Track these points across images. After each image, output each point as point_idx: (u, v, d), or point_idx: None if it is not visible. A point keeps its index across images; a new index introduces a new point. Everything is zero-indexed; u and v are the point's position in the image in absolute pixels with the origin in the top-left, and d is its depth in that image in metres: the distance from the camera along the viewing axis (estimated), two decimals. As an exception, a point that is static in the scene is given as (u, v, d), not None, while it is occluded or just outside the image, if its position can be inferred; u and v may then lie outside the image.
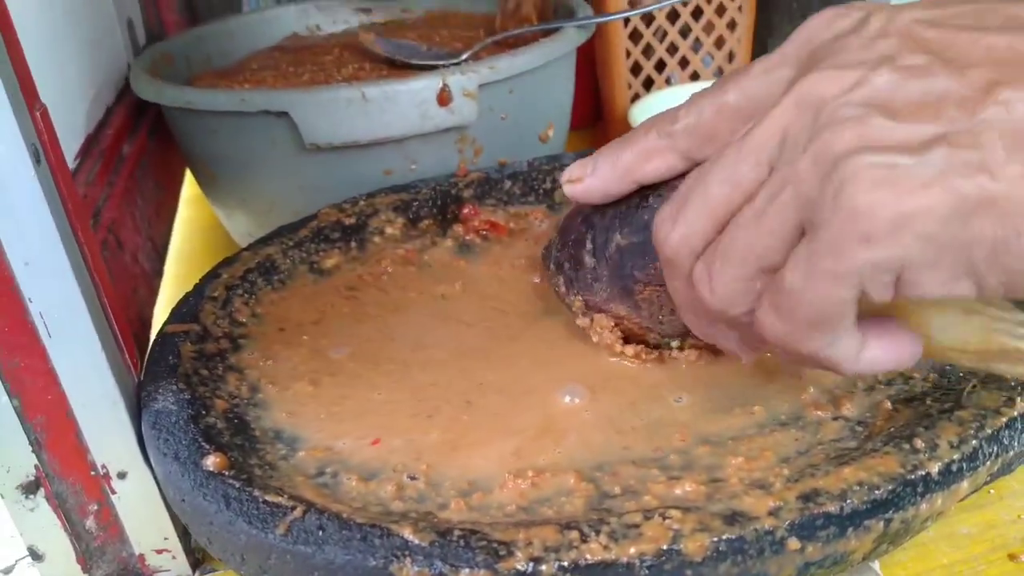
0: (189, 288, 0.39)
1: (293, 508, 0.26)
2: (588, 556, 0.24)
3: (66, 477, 0.31)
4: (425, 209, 0.46)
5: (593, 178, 0.31)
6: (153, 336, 0.46)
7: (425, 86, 0.44)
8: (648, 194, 0.31)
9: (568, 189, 0.31)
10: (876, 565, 0.31)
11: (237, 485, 0.27)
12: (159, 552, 0.34)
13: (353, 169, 0.47)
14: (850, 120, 0.21)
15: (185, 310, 0.37)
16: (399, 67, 0.54)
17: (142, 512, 0.33)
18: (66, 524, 0.32)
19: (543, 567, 0.23)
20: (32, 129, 0.27)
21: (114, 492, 0.32)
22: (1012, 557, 0.32)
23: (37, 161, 0.27)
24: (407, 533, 0.25)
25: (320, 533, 0.25)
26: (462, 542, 0.24)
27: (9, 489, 0.31)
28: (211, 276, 0.39)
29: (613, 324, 0.34)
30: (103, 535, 0.33)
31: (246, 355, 0.36)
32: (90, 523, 0.33)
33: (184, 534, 0.34)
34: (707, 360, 0.34)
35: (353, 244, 0.43)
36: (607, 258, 0.32)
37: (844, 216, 0.21)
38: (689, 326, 0.28)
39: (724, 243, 0.24)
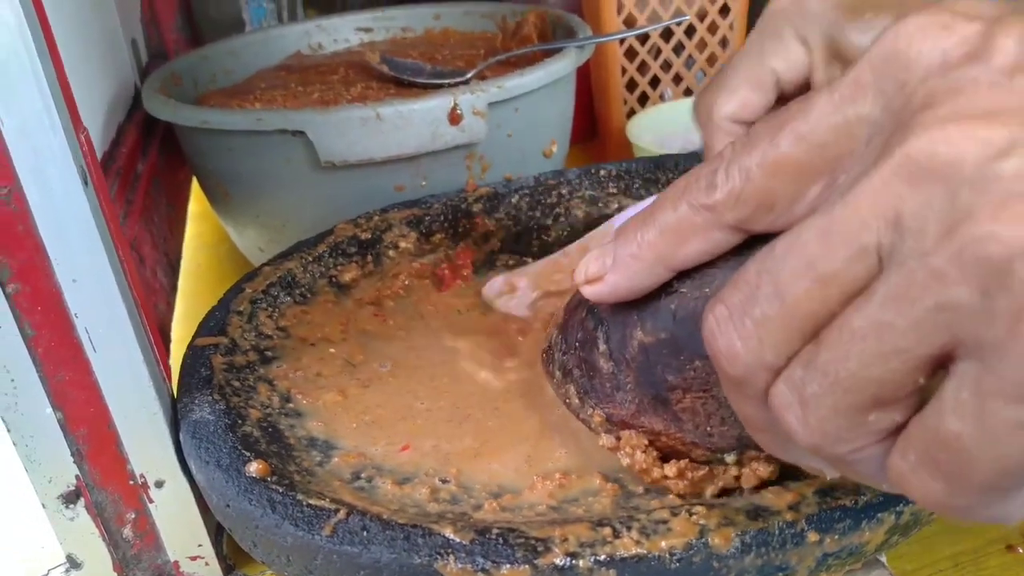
0: (202, 303, 0.40)
1: (336, 510, 0.27)
2: (621, 551, 0.25)
3: (105, 487, 0.33)
4: (437, 224, 0.47)
5: (616, 274, 0.24)
6: (173, 349, 0.47)
7: (437, 105, 0.46)
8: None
9: (589, 292, 0.25)
10: (883, 557, 0.33)
11: (281, 490, 0.28)
12: (193, 559, 0.35)
13: (366, 185, 0.48)
14: (1011, 199, 0.15)
15: (213, 324, 0.38)
16: (405, 86, 0.56)
17: (177, 520, 0.34)
18: (104, 532, 0.33)
19: (579, 562, 0.25)
20: (80, 152, 0.29)
21: (151, 501, 0.33)
22: (1010, 548, 0.34)
23: (85, 183, 0.28)
24: (448, 532, 0.26)
25: (364, 534, 0.26)
26: (501, 540, 0.26)
27: (50, 499, 0.32)
28: (235, 290, 0.40)
29: (647, 442, 0.28)
30: (139, 543, 0.34)
31: (275, 367, 0.37)
32: (127, 531, 0.34)
33: (216, 540, 0.35)
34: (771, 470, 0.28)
35: (369, 258, 0.45)
36: (627, 361, 0.26)
37: None
38: (766, 449, 0.22)
39: (823, 362, 0.18)
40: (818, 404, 0.18)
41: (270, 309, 0.40)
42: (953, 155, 0.16)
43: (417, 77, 0.56)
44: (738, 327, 0.19)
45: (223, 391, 0.34)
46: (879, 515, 0.27)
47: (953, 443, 0.16)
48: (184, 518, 0.34)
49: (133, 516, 0.33)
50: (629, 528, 0.26)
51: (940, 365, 0.17)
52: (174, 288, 0.51)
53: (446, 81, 0.55)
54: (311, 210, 0.49)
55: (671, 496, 0.29)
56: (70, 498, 0.32)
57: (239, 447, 0.30)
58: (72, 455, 0.31)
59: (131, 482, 0.33)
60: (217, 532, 0.35)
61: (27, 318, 0.29)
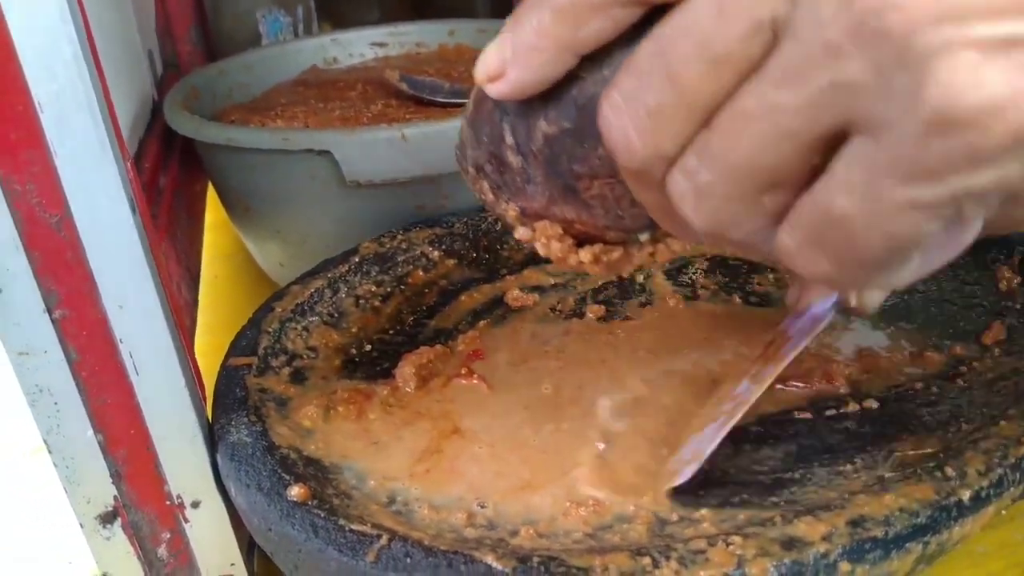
0: (221, 316, 0.41)
1: (379, 536, 0.28)
2: (661, 580, 0.26)
3: (142, 507, 0.33)
4: (459, 243, 0.48)
5: (518, 68, 0.22)
6: (200, 365, 0.47)
7: (461, 127, 0.46)
8: None
9: (493, 91, 0.23)
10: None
11: (323, 514, 0.29)
12: (225, 577, 0.35)
13: (388, 204, 0.49)
14: None
15: (244, 343, 0.38)
16: (424, 104, 0.57)
17: (212, 539, 0.34)
18: (139, 552, 0.34)
19: (621, 591, 0.26)
20: (127, 180, 0.29)
21: (187, 521, 0.34)
22: (1026, 574, 0.35)
23: (133, 211, 0.29)
24: (490, 559, 0.27)
25: (408, 560, 0.27)
26: (543, 568, 0.26)
27: (88, 519, 0.33)
28: (265, 309, 0.40)
29: (561, 231, 0.27)
30: (174, 562, 0.34)
31: (307, 387, 0.37)
32: (162, 551, 0.34)
33: (248, 559, 0.36)
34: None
35: (394, 278, 0.45)
36: (534, 153, 0.25)
37: (932, 119, 0.14)
38: (673, 233, 0.23)
39: (715, 148, 0.17)
40: (711, 192, 0.18)
41: (300, 329, 0.40)
42: None
43: (436, 96, 0.56)
44: (632, 117, 0.18)
45: (259, 412, 0.34)
46: (907, 545, 0.27)
47: (841, 221, 0.16)
48: (218, 538, 0.34)
49: (168, 536, 0.34)
50: (668, 558, 0.26)
51: (833, 146, 0.16)
52: (196, 302, 0.52)
53: (464, 100, 0.56)
54: (333, 227, 0.50)
55: (704, 525, 0.29)
56: (107, 518, 0.33)
57: (279, 470, 0.31)
58: (111, 476, 0.32)
59: (168, 502, 0.33)
60: (249, 550, 0.36)
61: (72, 343, 0.29)
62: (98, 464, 0.32)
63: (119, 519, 0.33)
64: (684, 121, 0.18)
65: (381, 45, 0.70)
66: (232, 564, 0.35)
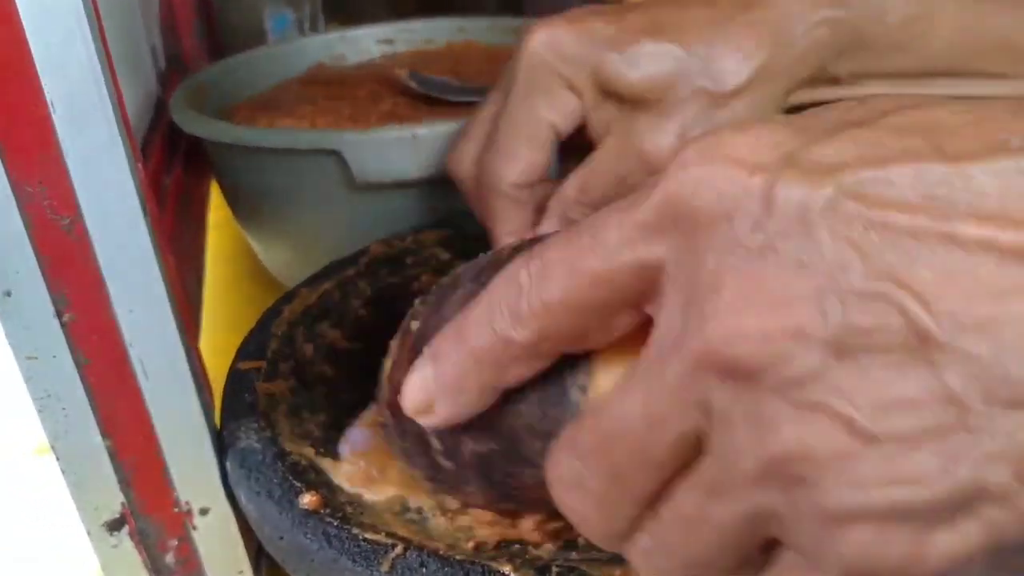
0: (224, 318, 0.40)
1: (393, 546, 0.27)
2: (683, 594, 0.25)
3: (150, 514, 0.32)
4: (470, 245, 0.47)
5: (445, 407, 0.23)
6: (206, 368, 0.47)
7: (472, 127, 0.46)
8: None
9: (424, 423, 0.24)
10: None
11: (336, 523, 0.28)
12: (233, 584, 0.35)
13: (398, 204, 0.48)
14: (806, 410, 0.15)
15: (252, 347, 0.38)
16: (433, 102, 0.56)
17: (220, 546, 0.34)
18: (147, 559, 0.33)
19: (641, 604, 0.25)
20: (139, 183, 0.28)
21: (195, 527, 0.33)
22: None
23: (145, 215, 0.28)
24: (507, 570, 0.26)
25: (423, 570, 0.26)
26: (561, 580, 0.26)
27: (95, 526, 0.32)
28: (273, 312, 0.40)
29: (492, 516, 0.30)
30: (181, 569, 0.34)
31: (315, 392, 0.37)
32: (169, 558, 0.34)
33: (256, 565, 0.35)
34: None
35: (403, 279, 0.45)
36: (465, 463, 0.26)
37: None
38: None
39: (662, 537, 0.19)
40: (669, 568, 0.19)
41: (308, 332, 0.40)
42: (748, 357, 0.16)
43: (446, 94, 0.56)
44: (581, 499, 0.20)
45: (268, 417, 0.34)
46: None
47: None
48: (226, 544, 0.34)
49: (176, 543, 0.33)
50: (689, 571, 0.26)
51: (772, 545, 0.18)
52: (200, 305, 0.51)
53: (474, 99, 0.55)
54: (341, 228, 0.49)
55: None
56: (115, 525, 0.32)
57: (290, 477, 0.30)
58: (119, 482, 0.31)
59: (176, 509, 0.33)
60: (257, 557, 0.35)
61: (81, 347, 0.29)
62: (106, 470, 0.31)
63: (127, 526, 0.32)
64: (631, 507, 0.19)
65: (388, 42, 0.70)
66: (240, 572, 0.35)
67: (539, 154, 0.35)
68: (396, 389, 0.26)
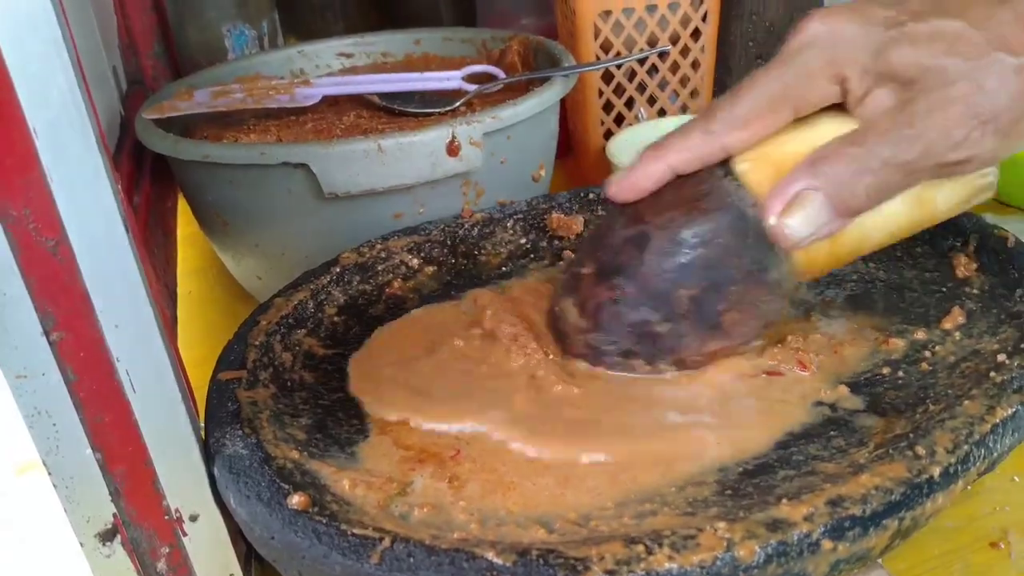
0: (198, 331, 0.41)
1: (381, 538, 0.29)
2: (656, 567, 0.27)
3: (141, 523, 0.33)
4: (437, 249, 0.49)
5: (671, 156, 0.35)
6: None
7: (436, 137, 0.47)
8: (650, 230, 0.34)
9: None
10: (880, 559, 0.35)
11: (324, 520, 0.29)
12: (224, 588, 0.36)
13: (365, 214, 0.49)
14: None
15: (232, 357, 0.39)
16: (395, 114, 0.57)
17: (210, 551, 0.35)
18: (139, 568, 0.34)
19: (618, 578, 0.27)
20: (120, 201, 0.30)
21: (185, 534, 0.34)
22: (993, 545, 0.37)
23: (127, 233, 0.29)
24: (490, 555, 0.28)
25: (411, 560, 0.28)
26: (542, 560, 0.27)
27: (88, 538, 0.33)
28: (250, 323, 0.41)
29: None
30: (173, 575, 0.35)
31: (295, 398, 0.38)
32: (161, 565, 0.35)
33: (246, 568, 0.36)
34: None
35: (375, 286, 0.46)
36: (681, 315, 0.34)
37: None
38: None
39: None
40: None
41: (285, 341, 0.41)
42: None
43: (407, 106, 0.57)
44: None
45: (252, 424, 0.35)
46: (884, 521, 0.29)
47: None
48: (216, 550, 0.35)
49: (167, 550, 0.34)
50: (660, 545, 0.28)
51: None
52: (175, 319, 0.52)
53: (436, 110, 0.57)
54: (311, 239, 0.51)
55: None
56: (107, 536, 0.33)
57: (277, 480, 0.32)
58: (110, 494, 0.32)
59: (166, 517, 0.34)
60: (246, 561, 0.36)
61: (69, 364, 0.30)
62: (97, 482, 0.32)
63: (119, 536, 0.33)
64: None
65: (347, 56, 0.71)
66: (230, 575, 0.36)
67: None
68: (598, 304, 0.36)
